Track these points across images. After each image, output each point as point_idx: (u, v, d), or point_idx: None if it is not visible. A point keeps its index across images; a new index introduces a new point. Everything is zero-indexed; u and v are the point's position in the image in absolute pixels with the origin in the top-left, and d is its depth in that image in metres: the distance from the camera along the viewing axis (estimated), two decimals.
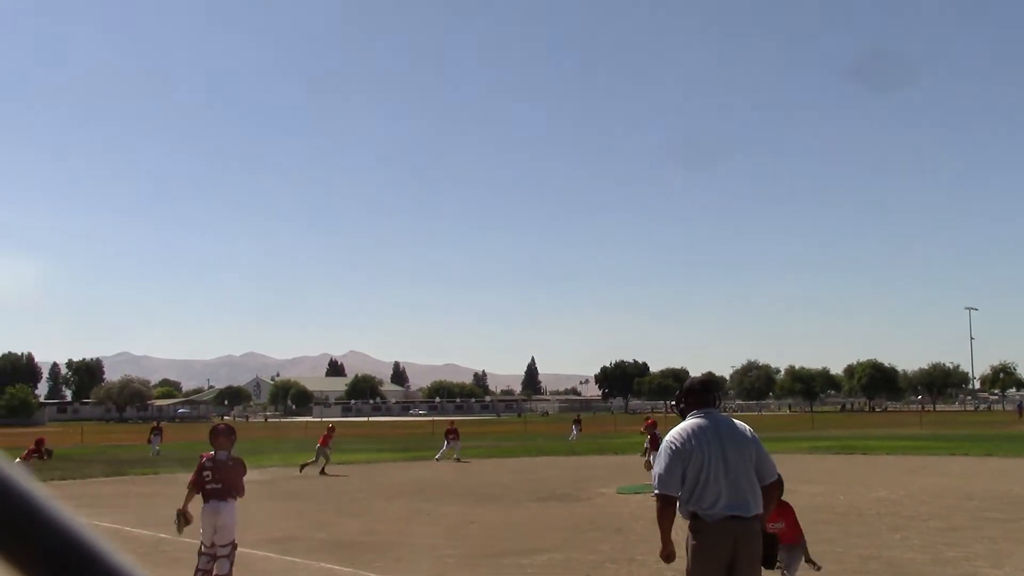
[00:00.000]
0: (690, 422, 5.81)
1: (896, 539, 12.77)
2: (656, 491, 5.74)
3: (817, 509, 16.20)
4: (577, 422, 48.92)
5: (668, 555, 5.76)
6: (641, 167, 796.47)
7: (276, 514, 16.08)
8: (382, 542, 13.44)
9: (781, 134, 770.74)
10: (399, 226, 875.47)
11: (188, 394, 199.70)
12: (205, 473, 9.15)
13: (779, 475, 6.01)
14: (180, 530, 9.46)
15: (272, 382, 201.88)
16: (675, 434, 5.77)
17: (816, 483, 20.82)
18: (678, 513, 5.79)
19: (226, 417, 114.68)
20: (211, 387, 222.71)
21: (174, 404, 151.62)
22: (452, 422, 36.64)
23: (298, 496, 20.33)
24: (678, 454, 5.64)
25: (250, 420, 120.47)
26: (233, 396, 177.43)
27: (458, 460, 31.59)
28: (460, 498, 19.33)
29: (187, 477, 9.43)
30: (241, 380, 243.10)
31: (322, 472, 26.25)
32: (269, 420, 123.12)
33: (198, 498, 9.21)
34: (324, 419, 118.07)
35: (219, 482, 9.11)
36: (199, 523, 9.14)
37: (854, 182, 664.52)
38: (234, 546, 9.15)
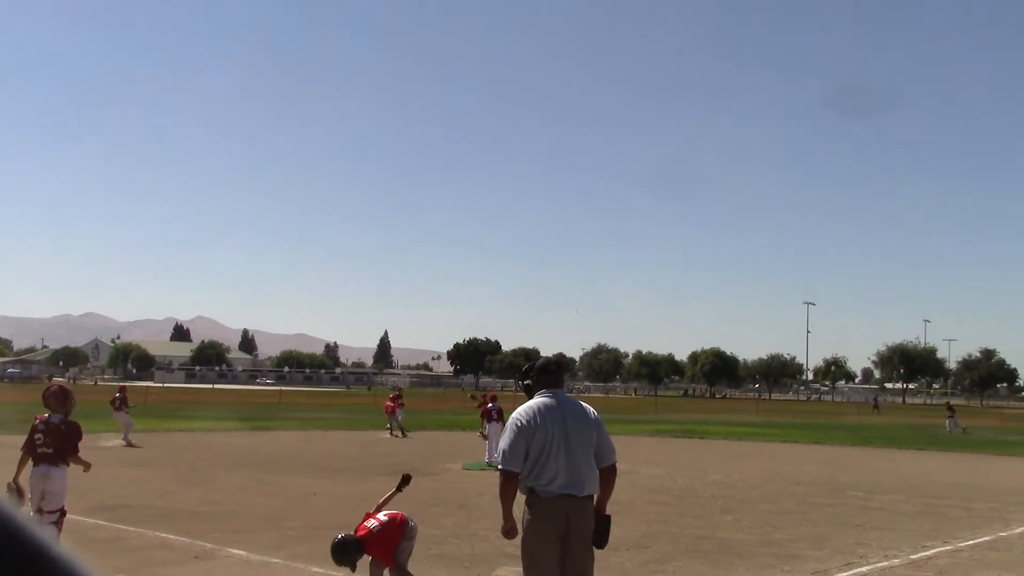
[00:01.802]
0: (537, 400, 5.91)
1: (728, 520, 13.28)
2: (499, 466, 5.86)
3: (656, 490, 16.72)
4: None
5: (508, 530, 5.88)
6: (499, 153, 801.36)
7: (110, 481, 15.48)
8: (221, 512, 13.12)
9: (636, 129, 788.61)
10: (253, 192, 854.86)
11: (20, 353, 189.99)
12: (36, 436, 8.68)
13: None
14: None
15: (112, 344, 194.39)
16: (522, 411, 5.85)
17: (656, 465, 21.45)
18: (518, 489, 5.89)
19: (56, 379, 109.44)
20: (45, 347, 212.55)
21: (3, 363, 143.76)
22: (399, 389, 36.43)
23: (135, 463, 19.64)
24: (523, 431, 5.75)
25: (77, 383, 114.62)
26: (69, 357, 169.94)
27: (401, 432, 30.46)
28: (304, 470, 19.06)
29: None
30: (79, 341, 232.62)
31: (392, 434, 29.55)
32: (99, 383, 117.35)
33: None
34: (166, 384, 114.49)
35: (50, 446, 8.65)
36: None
37: (703, 180, 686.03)
38: (63, 513, 8.74)
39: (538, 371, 6.06)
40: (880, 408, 78.15)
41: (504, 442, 5.85)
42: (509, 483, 5.80)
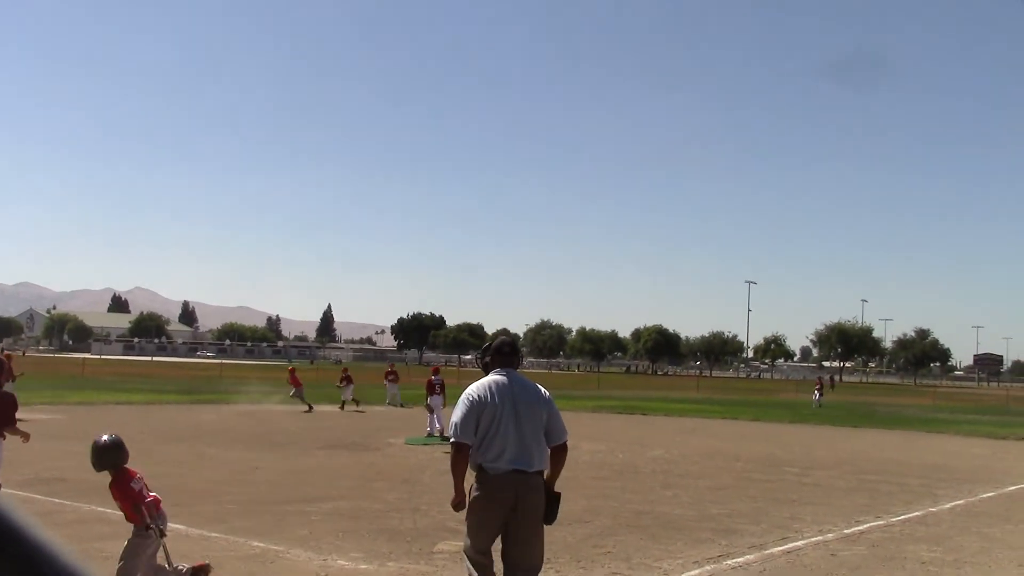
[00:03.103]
0: (490, 378, 6.10)
1: (668, 496, 13.46)
2: (451, 439, 5.99)
3: (597, 466, 16.87)
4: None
5: (458, 503, 6.00)
6: (442, 127, 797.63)
7: (44, 454, 15.17)
8: (161, 486, 12.84)
9: (581, 103, 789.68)
10: (194, 161, 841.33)
11: None
12: None
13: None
14: None
15: (48, 315, 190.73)
16: (474, 387, 6.04)
17: (597, 441, 21.63)
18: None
19: None
20: None
21: None
22: (392, 365, 36.54)
23: (70, 436, 19.28)
24: (474, 406, 5.92)
25: (5, 353, 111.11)
26: (2, 328, 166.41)
27: (402, 406, 31.66)
28: (246, 444, 18.91)
29: None
30: (13, 311, 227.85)
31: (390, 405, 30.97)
32: (26, 354, 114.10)
33: None
34: (103, 356, 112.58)
35: None
36: None
37: (648, 159, 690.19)
38: None
39: (494, 351, 6.29)
40: (835, 386, 79.81)
41: (456, 416, 5.99)
42: (460, 455, 5.94)
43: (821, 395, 44.38)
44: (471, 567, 5.97)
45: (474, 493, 5.94)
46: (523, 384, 6.13)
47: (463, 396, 6.06)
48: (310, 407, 29.00)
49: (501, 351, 6.26)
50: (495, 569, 6.07)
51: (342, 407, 30.41)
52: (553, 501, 6.03)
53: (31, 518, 0.93)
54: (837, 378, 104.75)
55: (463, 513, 6.04)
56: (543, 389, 6.21)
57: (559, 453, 6.13)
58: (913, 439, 26.39)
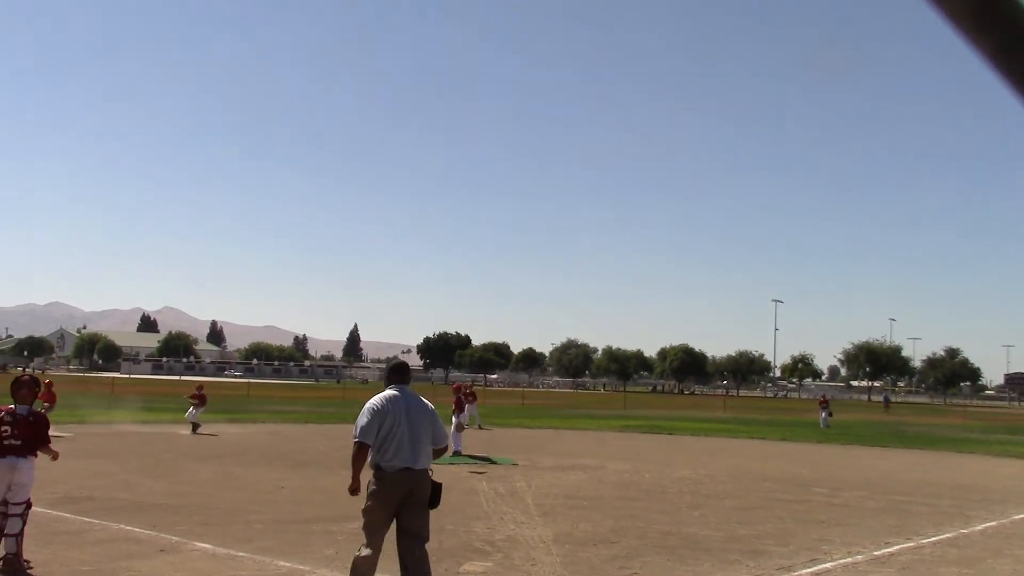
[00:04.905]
0: (388, 392, 7.44)
1: (695, 516, 13.36)
2: (356, 439, 7.27)
3: (624, 486, 16.78)
4: None
5: (354, 489, 7.33)
6: (470, 148, 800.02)
7: (74, 473, 15.32)
8: (187, 505, 13.03)
9: (608, 126, 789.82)
10: (223, 183, 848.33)
11: None
12: (3, 428, 8.57)
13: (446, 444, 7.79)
14: None
15: (78, 335, 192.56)
16: (377, 399, 7.39)
17: (624, 461, 21.53)
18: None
19: (26, 370, 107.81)
20: (9, 336, 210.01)
21: None
22: (469, 385, 36.13)
23: (99, 455, 19.45)
24: (377, 413, 7.26)
25: (32, 374, 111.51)
26: (34, 347, 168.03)
27: (480, 427, 30.30)
28: (272, 463, 18.96)
29: None
30: (44, 331, 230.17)
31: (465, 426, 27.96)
32: (46, 373, 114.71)
33: None
34: (132, 375, 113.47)
35: (19, 438, 8.55)
36: None
37: (673, 178, 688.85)
38: (28, 505, 8.65)
39: (390, 371, 7.78)
40: (889, 407, 78.95)
41: (362, 421, 7.27)
42: (361, 452, 7.27)
43: (829, 414, 41.84)
44: (364, 545, 7.14)
45: (372, 487, 7.19)
46: (413, 397, 7.48)
47: (367, 406, 7.36)
48: (478, 426, 27.97)
49: (396, 370, 7.72)
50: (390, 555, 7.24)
51: (193, 430, 26.55)
52: (436, 490, 7.33)
53: None
54: (890, 399, 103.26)
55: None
56: (429, 403, 7.56)
57: (438, 454, 7.58)
58: (943, 459, 26.06)
